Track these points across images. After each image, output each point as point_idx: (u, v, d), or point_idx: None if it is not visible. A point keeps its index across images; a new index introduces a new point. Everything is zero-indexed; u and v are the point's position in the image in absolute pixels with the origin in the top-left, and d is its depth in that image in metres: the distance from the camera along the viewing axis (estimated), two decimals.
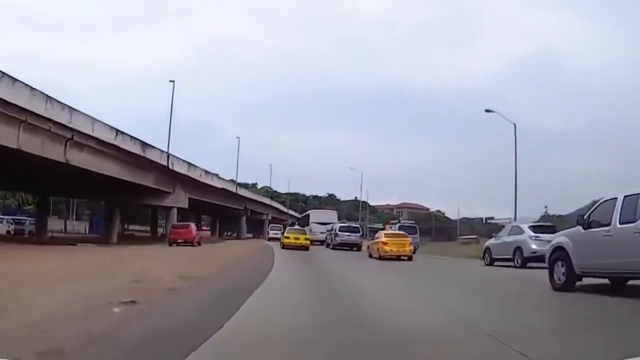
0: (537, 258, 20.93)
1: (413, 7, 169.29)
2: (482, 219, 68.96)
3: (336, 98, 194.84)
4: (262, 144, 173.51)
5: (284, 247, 40.41)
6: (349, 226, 47.82)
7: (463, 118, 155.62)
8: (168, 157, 48.14)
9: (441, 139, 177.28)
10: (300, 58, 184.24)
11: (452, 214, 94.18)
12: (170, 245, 40.40)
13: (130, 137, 41.85)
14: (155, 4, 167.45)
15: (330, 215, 62.19)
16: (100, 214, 78.56)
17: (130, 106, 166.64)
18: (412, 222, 56.32)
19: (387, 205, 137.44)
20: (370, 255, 33.45)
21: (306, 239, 42.12)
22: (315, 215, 62.73)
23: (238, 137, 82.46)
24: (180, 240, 41.30)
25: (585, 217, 12.99)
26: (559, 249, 13.64)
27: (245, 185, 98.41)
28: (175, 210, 54.12)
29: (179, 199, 54.18)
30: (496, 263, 26.86)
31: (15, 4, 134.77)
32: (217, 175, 65.09)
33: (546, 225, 26.86)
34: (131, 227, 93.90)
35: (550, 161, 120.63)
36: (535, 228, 25.82)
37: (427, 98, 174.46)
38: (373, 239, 35.98)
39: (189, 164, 53.99)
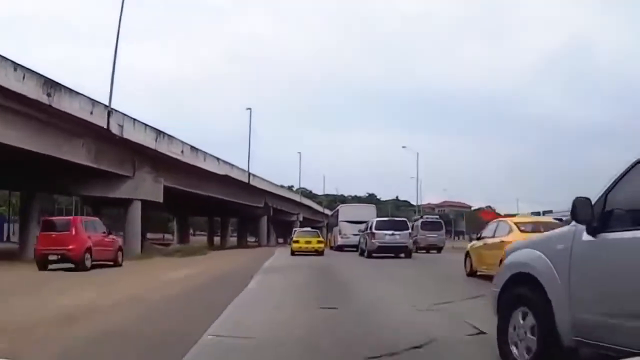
0: None
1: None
2: (539, 212, 55.34)
3: (375, 98, 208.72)
4: (303, 146, 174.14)
5: (293, 253, 34.84)
6: (391, 221, 34.26)
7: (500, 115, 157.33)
8: (109, 114, 28.99)
9: (484, 137, 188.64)
10: (340, 60, 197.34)
11: (508, 209, 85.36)
12: (41, 267, 20.98)
13: (24, 69, 23.14)
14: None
15: (366, 211, 45.32)
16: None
17: None
18: (437, 217, 47.12)
19: (429, 204, 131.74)
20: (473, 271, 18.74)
21: (319, 241, 36.63)
22: (345, 211, 47.59)
23: (250, 108, 65.61)
24: (54, 257, 20.86)
25: (593, 204, 5.02)
26: (521, 280, 5.69)
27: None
28: (137, 205, 35.06)
29: (144, 188, 35.12)
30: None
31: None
32: (215, 157, 45.84)
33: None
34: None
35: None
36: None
37: (467, 97, 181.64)
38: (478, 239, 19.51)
39: (158, 131, 34.88)
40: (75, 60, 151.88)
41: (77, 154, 28.66)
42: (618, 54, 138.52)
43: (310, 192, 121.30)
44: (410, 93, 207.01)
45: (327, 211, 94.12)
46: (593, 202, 5.01)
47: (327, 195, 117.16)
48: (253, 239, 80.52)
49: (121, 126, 30.16)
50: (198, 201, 52.55)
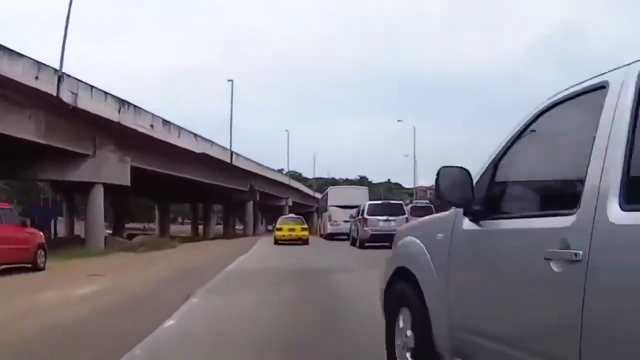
0: None
1: None
2: None
3: (367, 82, 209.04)
4: (295, 132, 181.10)
5: (276, 242, 33.90)
6: (385, 205, 30.86)
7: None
8: (59, 79, 24.75)
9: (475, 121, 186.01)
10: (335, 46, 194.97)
11: None
12: None
13: None
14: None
15: (358, 194, 41.29)
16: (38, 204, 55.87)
17: None
18: (427, 202, 42.90)
19: (420, 187, 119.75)
20: None
21: (303, 229, 35.56)
22: (335, 194, 43.26)
23: (231, 80, 60.79)
24: None
25: (477, 178, 3.63)
26: (401, 275, 4.48)
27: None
28: (99, 189, 30.83)
29: (107, 169, 30.84)
30: None
31: None
32: (191, 132, 41.58)
33: None
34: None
35: None
36: None
37: (459, 81, 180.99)
38: None
39: (122, 101, 30.61)
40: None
41: (23, 128, 24.47)
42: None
43: (300, 174, 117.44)
44: (406, 77, 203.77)
45: (317, 195, 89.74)
46: (476, 176, 3.65)
47: (317, 179, 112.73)
48: (241, 227, 76.46)
49: (75, 94, 25.90)
50: (176, 185, 48.37)
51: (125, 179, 32.55)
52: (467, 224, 3.66)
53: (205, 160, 45.17)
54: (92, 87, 27.45)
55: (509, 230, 3.27)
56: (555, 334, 2.72)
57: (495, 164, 3.60)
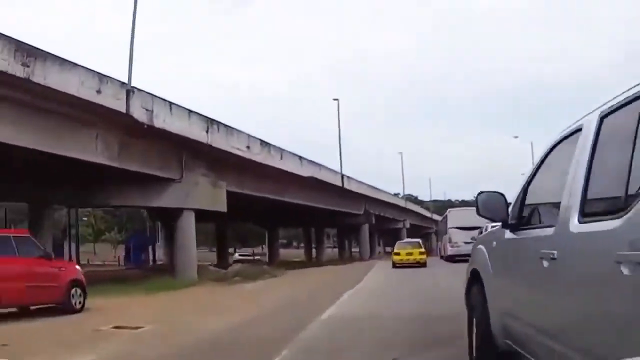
0: None
1: None
2: None
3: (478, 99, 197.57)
4: (407, 154, 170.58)
5: (394, 265, 34.83)
6: None
7: None
8: (128, 94, 21.12)
9: None
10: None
11: None
12: None
13: None
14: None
15: (477, 216, 34.74)
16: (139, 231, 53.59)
17: None
18: None
19: None
20: None
21: (421, 252, 36.18)
22: (454, 216, 42.72)
23: (337, 99, 55.33)
24: None
25: (515, 198, 5.12)
26: (474, 276, 5.90)
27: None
28: (188, 216, 27.08)
29: (198, 193, 26.98)
30: None
31: None
32: (295, 155, 37.60)
33: None
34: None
35: None
36: None
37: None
38: None
39: (209, 120, 26.84)
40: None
41: (89, 150, 21.02)
42: None
43: (416, 198, 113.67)
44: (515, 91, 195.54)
45: (435, 216, 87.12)
46: (516, 196, 5.03)
47: (434, 201, 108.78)
48: (357, 250, 72.87)
49: (149, 111, 22.26)
50: (284, 209, 44.76)
51: (220, 205, 28.81)
52: (507, 233, 4.93)
53: (314, 184, 41.21)
54: (171, 103, 23.74)
55: (528, 237, 4.42)
56: (568, 322, 3.50)
57: (524, 189, 4.88)
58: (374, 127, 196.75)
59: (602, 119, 3.39)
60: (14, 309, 13.54)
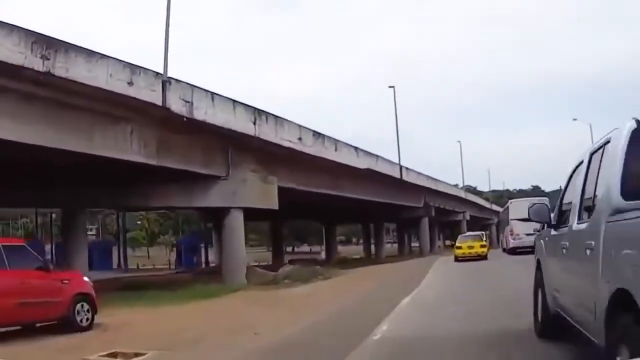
0: None
1: None
2: None
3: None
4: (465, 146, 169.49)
5: (457, 259, 35.51)
6: None
7: None
8: (164, 85, 19.03)
9: None
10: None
11: None
12: None
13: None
14: None
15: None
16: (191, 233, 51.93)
17: None
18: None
19: None
20: None
21: (482, 245, 37.43)
22: (516, 207, 40.99)
23: (392, 86, 51.82)
24: None
25: (559, 199, 7.35)
26: (538, 264, 8.27)
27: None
28: (236, 215, 24.95)
29: (246, 191, 24.78)
30: None
31: None
32: (351, 146, 35.22)
33: None
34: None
35: None
36: None
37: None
38: None
39: (257, 110, 24.65)
40: None
41: (123, 147, 19.06)
42: None
43: (475, 188, 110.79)
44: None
45: (495, 207, 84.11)
46: (559, 199, 7.26)
47: (493, 192, 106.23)
48: (417, 244, 70.23)
49: (189, 102, 20.17)
50: (341, 205, 42.45)
51: (271, 202, 26.64)
52: (552, 231, 7.12)
53: (371, 177, 38.76)
54: (213, 94, 21.58)
55: (562, 233, 6.38)
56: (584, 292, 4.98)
57: (561, 198, 7.15)
58: (430, 119, 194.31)
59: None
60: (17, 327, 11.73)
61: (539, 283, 7.85)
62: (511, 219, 39.90)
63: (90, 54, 16.58)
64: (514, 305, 10.94)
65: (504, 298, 13.04)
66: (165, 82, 19.11)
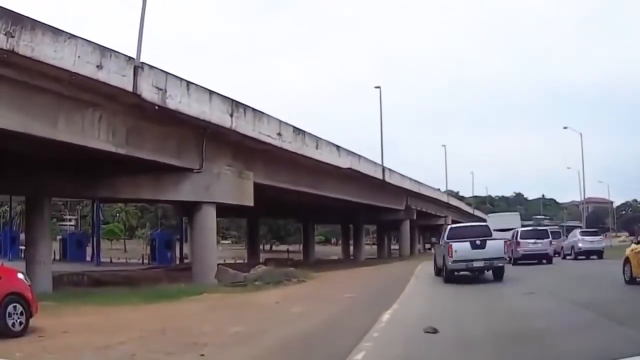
0: None
1: None
2: None
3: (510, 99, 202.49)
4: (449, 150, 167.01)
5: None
6: (533, 231, 37.55)
7: None
8: (136, 70, 18.15)
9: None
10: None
11: None
12: None
13: None
14: None
15: (512, 220, 49.12)
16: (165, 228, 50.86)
17: None
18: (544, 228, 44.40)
19: (572, 202, 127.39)
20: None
21: None
22: (493, 220, 45.35)
23: (379, 87, 51.22)
24: None
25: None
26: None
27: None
28: (208, 211, 24.08)
29: (220, 186, 23.98)
30: None
31: None
32: (332, 144, 34.38)
33: None
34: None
35: None
36: None
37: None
38: None
39: (234, 102, 23.78)
40: None
41: (90, 134, 18.15)
42: None
43: (457, 193, 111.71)
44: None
45: (477, 212, 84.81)
46: None
47: (475, 197, 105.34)
48: (397, 247, 69.83)
49: (162, 90, 19.30)
50: (320, 204, 41.79)
51: (246, 199, 25.82)
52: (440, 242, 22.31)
53: (352, 177, 38.09)
54: (188, 82, 20.70)
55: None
56: None
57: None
58: (413, 122, 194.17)
59: None
60: None
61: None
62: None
63: (57, 32, 15.72)
64: None
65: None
66: (138, 67, 18.24)
